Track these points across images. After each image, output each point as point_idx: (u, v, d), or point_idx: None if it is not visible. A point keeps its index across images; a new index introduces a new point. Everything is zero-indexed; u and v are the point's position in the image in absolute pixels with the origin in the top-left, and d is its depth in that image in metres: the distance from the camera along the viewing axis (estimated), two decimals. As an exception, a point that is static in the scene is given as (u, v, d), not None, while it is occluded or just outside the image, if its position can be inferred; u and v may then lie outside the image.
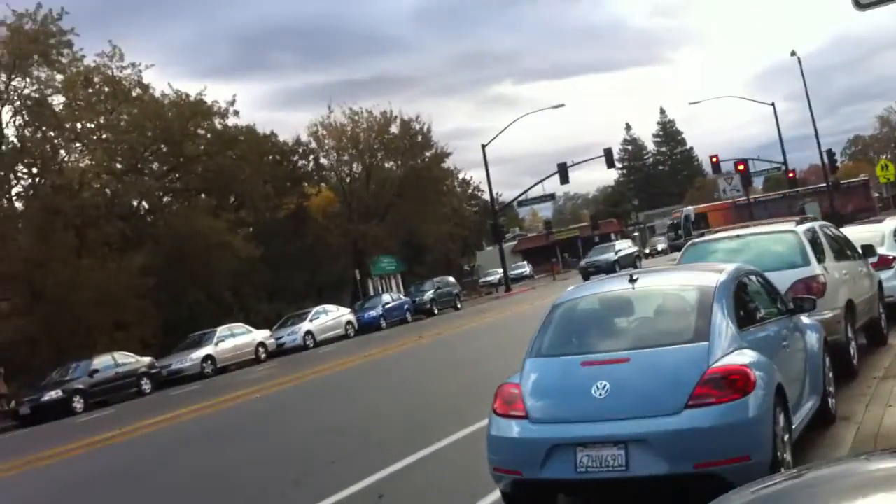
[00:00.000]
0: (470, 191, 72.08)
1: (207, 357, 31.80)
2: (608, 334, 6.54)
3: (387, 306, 42.20)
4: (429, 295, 45.69)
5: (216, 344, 32.60)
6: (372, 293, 50.56)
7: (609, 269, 44.46)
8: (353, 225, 52.06)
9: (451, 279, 50.23)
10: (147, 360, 30.93)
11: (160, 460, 12.71)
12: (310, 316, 37.90)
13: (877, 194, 67.66)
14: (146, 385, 29.57)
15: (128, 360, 30.19)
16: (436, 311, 44.63)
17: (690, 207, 62.23)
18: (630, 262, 47.38)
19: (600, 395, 5.53)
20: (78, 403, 26.99)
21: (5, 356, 35.27)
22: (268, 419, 14.99)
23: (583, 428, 5.51)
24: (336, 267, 51.35)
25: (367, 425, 11.61)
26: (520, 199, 62.16)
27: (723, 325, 5.89)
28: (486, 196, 63.29)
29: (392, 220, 54.35)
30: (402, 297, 45.74)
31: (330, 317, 38.70)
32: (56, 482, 12.68)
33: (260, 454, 11.34)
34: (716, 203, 62.53)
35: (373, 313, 41.24)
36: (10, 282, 35.57)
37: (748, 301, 6.78)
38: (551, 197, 65.87)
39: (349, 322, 39.27)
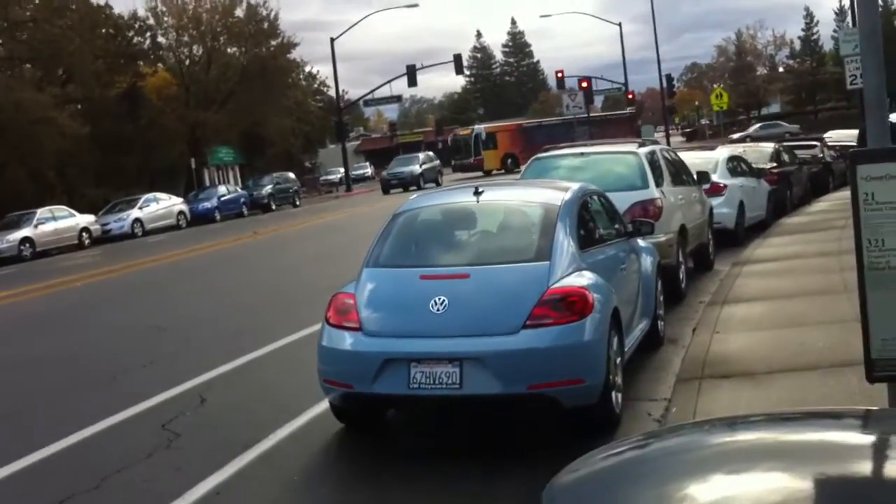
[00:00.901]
0: (316, 86, 70.43)
1: (26, 239, 30.02)
2: (449, 248, 6.37)
3: (222, 198, 40.96)
4: (267, 190, 44.60)
5: (36, 226, 30.78)
6: (208, 184, 49.00)
7: (413, 181, 44.67)
8: (191, 110, 49.89)
9: (292, 175, 49.23)
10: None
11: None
12: (140, 203, 36.33)
13: (706, 121, 70.61)
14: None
15: (-65, 236, 28.12)
16: (273, 207, 43.72)
17: (482, 126, 61.03)
18: (433, 175, 47.52)
19: (438, 310, 5.37)
20: None
21: None
22: (85, 311, 14.23)
23: (418, 343, 5.35)
24: (171, 153, 49.22)
25: (190, 325, 11.14)
26: (366, 98, 61.32)
27: (564, 244, 5.80)
28: (332, 92, 62.04)
29: (233, 109, 52.34)
30: (238, 189, 44.55)
31: (161, 205, 37.25)
32: None
33: (74, 348, 10.71)
34: (503, 124, 63.61)
35: (207, 205, 39.97)
36: None
37: (590, 221, 6.74)
38: (398, 99, 65.31)
39: (181, 212, 37.95)
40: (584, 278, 5.61)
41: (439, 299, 5.38)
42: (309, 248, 20.25)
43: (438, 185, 44.11)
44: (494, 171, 53.72)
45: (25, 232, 30.27)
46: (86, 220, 33.48)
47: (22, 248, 29.64)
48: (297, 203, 45.92)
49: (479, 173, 52.86)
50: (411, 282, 5.74)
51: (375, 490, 4.96)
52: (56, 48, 40.72)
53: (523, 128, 59.59)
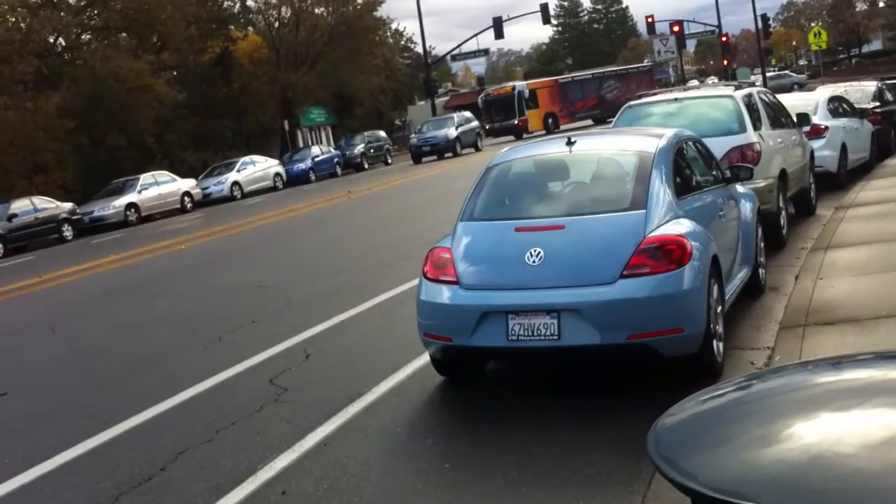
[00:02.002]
0: (403, 42, 70.35)
1: (131, 205, 31.07)
2: (543, 199, 6.37)
3: (316, 159, 41.48)
4: (359, 149, 44.98)
5: (140, 191, 31.81)
6: (301, 145, 49.71)
7: (448, 147, 40.59)
8: (282, 73, 50.52)
9: (382, 133, 49.53)
10: (68, 205, 30.08)
11: (79, 311, 12.42)
12: (237, 166, 37.12)
13: (804, 61, 67.94)
14: (67, 231, 28.87)
15: (48, 205, 29.33)
16: (366, 166, 44.12)
17: (523, 83, 55.17)
18: (472, 139, 42.64)
19: (534, 262, 5.39)
20: (-4, 249, 26.30)
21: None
22: (190, 272, 14.72)
23: (515, 296, 5.39)
24: (264, 116, 50.11)
25: (290, 284, 11.42)
26: (453, 53, 61.10)
27: (660, 192, 5.74)
28: (419, 49, 61.96)
29: (322, 69, 52.81)
30: (331, 150, 44.97)
31: (258, 168, 37.96)
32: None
33: (182, 309, 11.14)
34: (542, 80, 58.31)
35: (302, 166, 40.54)
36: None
37: (686, 168, 6.64)
38: (485, 52, 64.87)
39: (277, 174, 38.61)
40: (681, 226, 5.55)
41: (535, 251, 5.40)
42: (402, 204, 20.44)
43: (478, 149, 41.30)
44: (535, 133, 47.88)
45: (130, 197, 31.31)
46: (187, 184, 34.40)
47: (128, 213, 30.70)
48: (389, 161, 46.22)
49: (511, 137, 47.03)
50: (506, 234, 5.77)
51: (477, 439, 5.06)
52: (150, 16, 41.67)
53: (560, 84, 54.44)
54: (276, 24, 54.08)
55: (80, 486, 5.20)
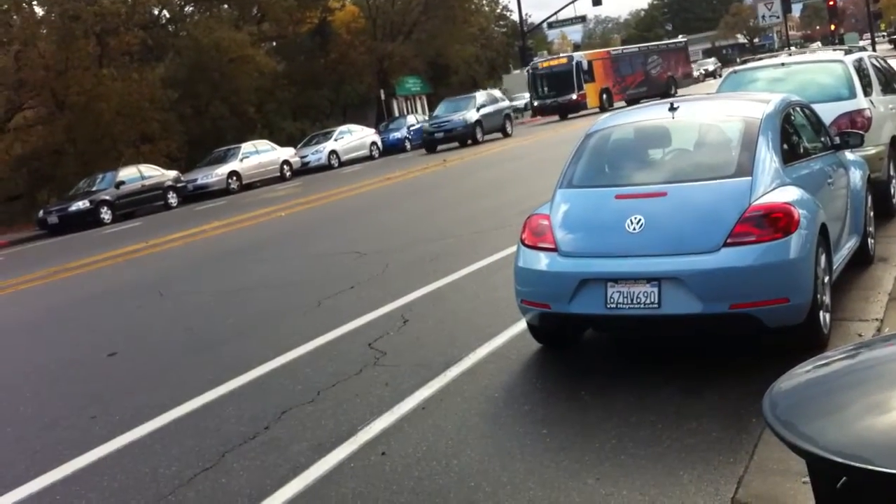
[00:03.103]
0: (498, 10, 69.90)
1: (233, 173, 31.84)
2: (644, 166, 6.26)
3: (412, 128, 41.66)
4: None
5: (241, 160, 32.57)
6: (396, 114, 49.97)
7: (466, 133, 34.75)
8: (378, 43, 50.81)
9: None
10: (173, 173, 31.03)
11: (184, 276, 12.83)
12: (334, 135, 37.60)
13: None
14: (172, 199, 29.81)
15: (154, 172, 30.32)
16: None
17: (580, 53, 49.44)
18: (498, 122, 36.55)
19: (634, 229, 5.32)
20: (105, 214, 27.34)
21: (33, 165, 35.62)
22: (290, 239, 15.02)
23: (614, 263, 5.34)
24: (360, 86, 50.56)
25: (387, 251, 11.55)
26: (549, 20, 60.26)
27: (767, 159, 5.58)
28: (515, 17, 61.40)
29: (417, 39, 52.96)
30: (426, 119, 45.11)
31: (354, 137, 38.36)
32: (81, 293, 12.86)
33: (282, 274, 11.40)
34: (595, 51, 52.78)
35: (397, 135, 40.82)
36: (33, 89, 35.37)
37: (793, 135, 6.44)
38: (582, 19, 63.85)
39: (374, 143, 38.96)
40: (788, 194, 5.39)
41: (635, 218, 5.33)
42: (497, 173, 20.40)
43: (507, 134, 36.44)
44: (591, 111, 42.47)
45: (232, 166, 32.09)
46: (286, 153, 35.04)
47: (229, 181, 31.48)
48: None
49: (555, 118, 43.36)
50: (606, 201, 5.71)
51: (575, 406, 5.05)
52: (249, -14, 42.39)
53: (613, 56, 48.59)
54: (373, -6, 54.38)
55: (187, 443, 5.39)
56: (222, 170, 31.79)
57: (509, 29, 69.59)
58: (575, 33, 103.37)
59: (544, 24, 63.30)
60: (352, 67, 49.16)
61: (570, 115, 42.54)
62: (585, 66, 43.99)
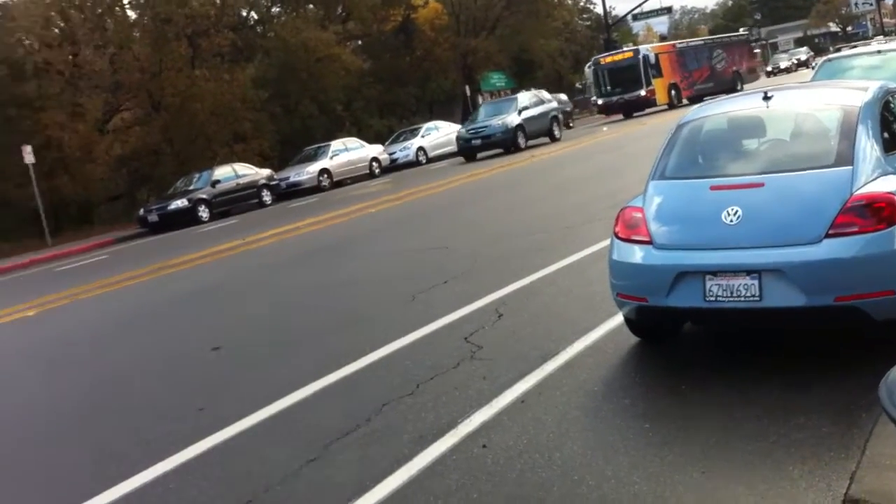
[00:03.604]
0: (582, 4, 69.34)
1: (323, 170, 32.36)
2: (739, 157, 6.17)
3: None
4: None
5: (331, 157, 33.07)
6: (482, 109, 50.02)
7: (507, 139, 31.09)
8: (462, 39, 50.93)
9: (563, 96, 48.99)
10: (266, 171, 31.72)
11: (281, 271, 13.12)
12: (421, 132, 37.86)
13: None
14: (266, 197, 30.46)
15: (247, 171, 31.04)
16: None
17: (645, 46, 46.39)
18: (544, 126, 32.94)
19: (731, 221, 5.26)
20: (203, 212, 28.10)
21: (132, 165, 36.83)
22: (382, 235, 15.22)
23: (712, 255, 5.28)
24: (446, 82, 50.83)
25: (477, 245, 11.61)
26: (634, 12, 59.49)
27: (867, 148, 5.45)
28: (599, 9, 60.82)
29: (501, 34, 52.90)
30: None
31: (441, 133, 38.53)
32: (183, 288, 13.28)
33: (375, 270, 11.58)
34: (661, 44, 50.22)
35: (483, 130, 40.81)
36: (130, 91, 36.55)
37: (893, 122, 6.27)
38: (668, 11, 62.90)
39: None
40: (890, 183, 5.25)
41: (732, 210, 5.27)
42: (586, 167, 20.28)
43: (555, 139, 32.93)
44: (658, 108, 40.08)
45: (323, 163, 32.62)
46: (374, 150, 35.44)
47: (320, 178, 32.02)
48: (570, 124, 45.76)
49: (619, 117, 40.80)
50: (701, 193, 5.65)
51: (676, 400, 5.03)
52: (334, -14, 42.97)
53: (679, 50, 44.93)
54: (457, -10, 54.48)
55: (293, 435, 5.54)
56: (313, 167, 32.33)
57: (593, 22, 69.01)
58: (661, 25, 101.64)
59: (629, 16, 62.53)
60: (436, 64, 49.43)
61: (635, 114, 40.19)
62: (653, 59, 40.79)
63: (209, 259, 16.43)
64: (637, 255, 5.61)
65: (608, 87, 41.42)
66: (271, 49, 42.02)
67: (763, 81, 47.19)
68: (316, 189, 31.50)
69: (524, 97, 33.64)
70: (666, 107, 40.06)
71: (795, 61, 68.86)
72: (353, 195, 25.81)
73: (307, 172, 32.11)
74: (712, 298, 5.20)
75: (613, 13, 65.68)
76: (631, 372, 5.75)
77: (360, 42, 48.68)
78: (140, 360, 8.86)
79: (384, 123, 44.59)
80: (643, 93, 39.74)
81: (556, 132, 33.40)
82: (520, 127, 31.37)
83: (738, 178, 5.58)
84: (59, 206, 35.32)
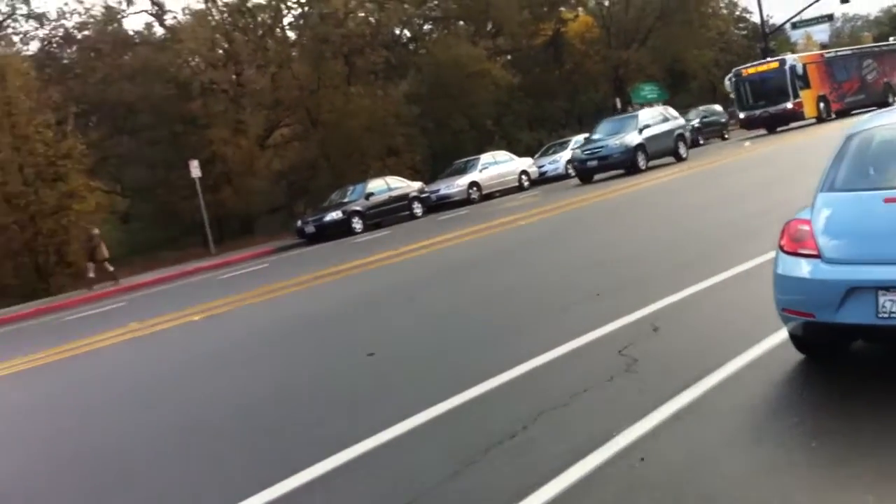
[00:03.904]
0: (737, 13, 67.40)
1: (473, 183, 32.71)
2: (914, 168, 5.92)
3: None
4: (694, 123, 43.72)
5: (481, 171, 33.40)
6: (633, 122, 49.35)
7: (623, 160, 28.75)
8: (613, 51, 50.44)
9: (718, 107, 47.81)
10: (417, 184, 32.35)
11: (433, 281, 13.34)
12: (571, 145, 37.66)
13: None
14: (417, 209, 31.02)
15: (399, 184, 31.73)
16: (701, 141, 42.74)
17: (792, 55, 42.18)
18: (667, 146, 30.30)
19: (907, 235, 5.05)
20: (357, 224, 28.91)
21: (291, 177, 38.32)
22: (532, 247, 15.25)
23: (885, 270, 5.03)
24: (596, 95, 50.48)
25: (630, 258, 11.46)
26: (793, 20, 57.37)
27: None
28: (756, 18, 58.92)
29: (653, 45, 52.09)
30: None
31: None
32: (338, 296, 13.68)
33: (526, 280, 11.60)
34: (808, 53, 46.31)
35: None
36: (289, 107, 38.05)
37: None
38: (829, 18, 60.24)
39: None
40: None
41: (908, 223, 5.07)
42: (742, 180, 19.69)
43: (680, 158, 30.48)
44: (805, 121, 37.27)
45: (472, 176, 32.98)
46: (524, 163, 35.59)
47: (470, 191, 32.39)
48: (727, 136, 44.56)
49: (762, 132, 38.22)
50: (874, 206, 5.40)
51: (846, 420, 4.81)
52: (484, 3, 43.45)
53: (827, 60, 41.82)
54: (607, 3, 54.03)
55: (448, 440, 5.62)
56: (463, 180, 32.71)
57: (750, 31, 66.94)
58: (821, 33, 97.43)
59: (787, 25, 60.38)
60: (586, 77, 49.21)
61: (779, 128, 37.82)
62: (800, 70, 37.97)
63: (363, 269, 16.86)
64: (804, 268, 5.42)
65: (751, 100, 39.05)
66: (423, 65, 42.84)
67: None
68: (465, 202, 31.84)
69: (646, 114, 31.44)
70: (814, 120, 37.68)
71: None
72: (503, 207, 25.94)
73: (457, 185, 32.51)
74: (885, 315, 4.97)
75: (771, 22, 63.49)
76: (797, 389, 5.55)
77: (509, 57, 48.94)
78: (298, 363, 9.19)
79: (534, 136, 44.66)
80: (790, 105, 37.19)
81: (682, 151, 30.94)
82: (640, 147, 29.09)
83: None
84: (222, 217, 37.09)
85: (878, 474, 4.09)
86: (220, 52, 38.01)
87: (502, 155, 35.53)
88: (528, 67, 48.51)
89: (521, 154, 37.47)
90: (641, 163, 28.97)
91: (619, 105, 49.37)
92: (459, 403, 6.34)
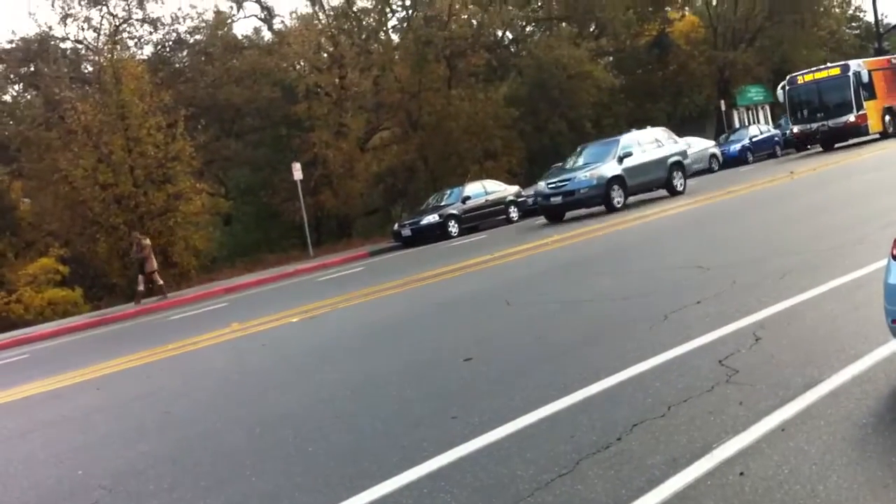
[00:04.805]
0: (850, 12, 65.09)
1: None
2: None
3: (754, 139, 39.97)
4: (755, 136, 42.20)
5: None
6: (737, 125, 48.23)
7: (594, 197, 24.61)
8: (719, 52, 49.35)
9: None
10: (514, 188, 32.29)
11: (530, 285, 13.28)
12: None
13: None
14: (514, 213, 30.94)
15: (496, 188, 31.72)
16: (808, 147, 41.47)
17: (858, 61, 35.99)
18: (657, 177, 25.92)
19: None
20: (453, 228, 29.02)
21: (389, 180, 38.75)
22: (629, 253, 15.08)
23: None
24: (699, 97, 49.53)
25: (733, 266, 11.17)
26: (911, 18, 55.11)
27: None
28: (870, 17, 56.81)
29: (761, 46, 50.71)
30: (770, 129, 42.94)
31: (694, 149, 37.30)
32: (435, 299, 13.77)
33: (624, 286, 11.42)
34: (875, 59, 39.30)
35: (738, 146, 39.35)
36: (390, 110, 38.47)
37: None
38: (947, 18, 57.65)
39: (713, 155, 37.92)
40: None
41: None
42: (850, 186, 19.04)
43: (674, 192, 25.99)
44: (868, 137, 33.24)
45: (569, 180, 32.64)
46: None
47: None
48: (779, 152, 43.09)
49: (817, 149, 34.74)
50: None
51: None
52: (589, 4, 43.08)
53: (894, 66, 36.58)
54: (714, 2, 52.86)
55: (543, 448, 5.58)
56: (559, 184, 32.44)
57: (862, 31, 64.63)
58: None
59: (903, 23, 58.08)
60: (691, 78, 48.29)
61: (837, 145, 34.01)
62: (865, 77, 33.47)
63: (459, 273, 16.92)
64: (917, 279, 5.21)
65: (806, 112, 34.76)
66: (524, 67, 42.74)
67: None
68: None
69: (631, 139, 26.38)
70: (878, 136, 33.77)
71: None
72: (597, 212, 25.65)
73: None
74: None
75: (885, 21, 61.17)
76: (905, 405, 5.33)
77: (611, 58, 48.43)
78: (394, 366, 9.26)
79: (634, 140, 44.09)
80: (853, 118, 33.08)
81: (678, 183, 26.08)
82: (617, 179, 24.55)
83: None
84: (322, 219, 37.75)
85: None
86: (325, 55, 38.69)
87: (602, 158, 35.13)
88: (631, 69, 47.90)
89: (621, 157, 37.03)
90: (617, 199, 24.48)
91: (723, 107, 48.30)
92: (554, 411, 6.29)
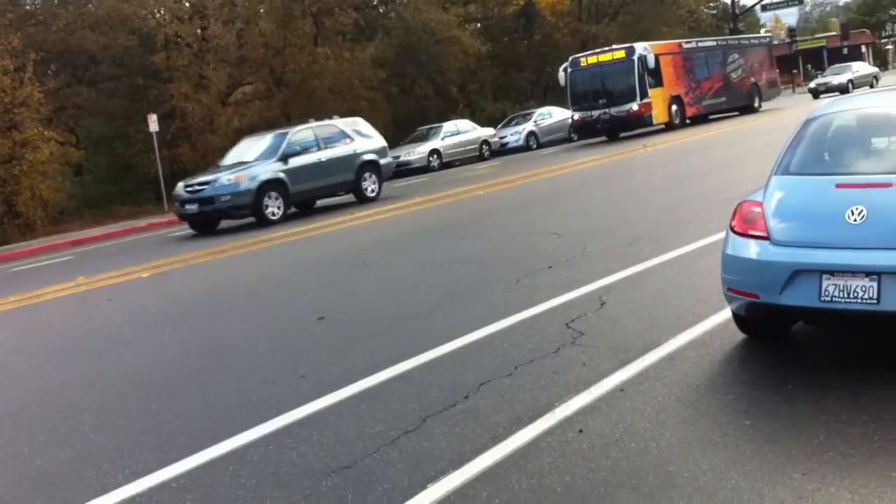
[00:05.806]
0: (709, -8, 67.66)
1: (434, 151, 32.62)
2: (868, 155, 5.92)
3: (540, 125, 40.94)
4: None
5: (442, 139, 33.31)
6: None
7: (241, 207, 19.10)
8: (583, 24, 50.38)
9: (683, 86, 47.91)
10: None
11: (388, 248, 13.32)
12: (534, 117, 37.69)
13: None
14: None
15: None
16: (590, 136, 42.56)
17: (644, 44, 32.96)
18: (341, 180, 21.25)
19: (854, 220, 5.06)
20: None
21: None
22: (488, 218, 15.26)
23: (831, 255, 5.10)
24: (562, 68, 50.36)
25: (585, 234, 11.50)
26: (763, 2, 57.72)
27: None
28: (727, -2, 59.07)
29: (623, 21, 52.08)
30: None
31: (554, 119, 38.27)
32: (291, 260, 13.59)
33: (480, 251, 11.61)
34: (660, 43, 36.03)
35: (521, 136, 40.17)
36: (254, 65, 37.52)
37: None
38: (798, 2, 60.81)
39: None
40: None
41: (857, 209, 5.07)
42: (700, 160, 19.84)
43: (364, 199, 21.96)
44: (653, 127, 32.19)
45: (433, 144, 32.88)
46: (486, 133, 35.54)
47: (430, 159, 32.28)
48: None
49: (602, 138, 33.21)
50: (825, 190, 5.46)
51: (781, 400, 4.89)
52: (459, -31, 43.09)
53: (686, 51, 35.08)
54: (580, -25, 53.85)
55: (391, 406, 5.61)
56: (424, 148, 32.60)
57: (720, 11, 67.24)
58: (790, 17, 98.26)
59: (757, 6, 60.75)
60: (555, 49, 49.04)
61: (622, 135, 32.80)
62: (652, 62, 31.43)
63: (318, 232, 16.75)
64: (752, 249, 5.47)
65: (588, 99, 32.55)
66: (392, 29, 42.48)
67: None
68: (425, 169, 31.76)
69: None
70: (663, 126, 32.50)
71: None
72: (462, 177, 25.90)
73: (417, 152, 32.40)
74: (828, 299, 5.03)
75: (741, 2, 63.79)
76: (736, 368, 5.62)
77: (479, 25, 48.67)
78: (247, 325, 9.12)
79: (498, 107, 44.57)
80: (635, 107, 31.21)
81: (370, 187, 22.12)
82: (274, 185, 19.73)
83: (865, 177, 5.37)
84: (178, 173, 36.54)
85: (807, 452, 4.17)
86: (187, 4, 37.32)
87: (465, 124, 35.46)
88: (498, 36, 48.27)
89: (484, 124, 37.42)
90: (272, 210, 19.76)
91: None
92: (404, 370, 6.33)
